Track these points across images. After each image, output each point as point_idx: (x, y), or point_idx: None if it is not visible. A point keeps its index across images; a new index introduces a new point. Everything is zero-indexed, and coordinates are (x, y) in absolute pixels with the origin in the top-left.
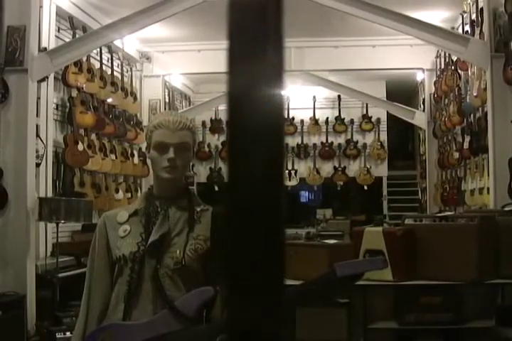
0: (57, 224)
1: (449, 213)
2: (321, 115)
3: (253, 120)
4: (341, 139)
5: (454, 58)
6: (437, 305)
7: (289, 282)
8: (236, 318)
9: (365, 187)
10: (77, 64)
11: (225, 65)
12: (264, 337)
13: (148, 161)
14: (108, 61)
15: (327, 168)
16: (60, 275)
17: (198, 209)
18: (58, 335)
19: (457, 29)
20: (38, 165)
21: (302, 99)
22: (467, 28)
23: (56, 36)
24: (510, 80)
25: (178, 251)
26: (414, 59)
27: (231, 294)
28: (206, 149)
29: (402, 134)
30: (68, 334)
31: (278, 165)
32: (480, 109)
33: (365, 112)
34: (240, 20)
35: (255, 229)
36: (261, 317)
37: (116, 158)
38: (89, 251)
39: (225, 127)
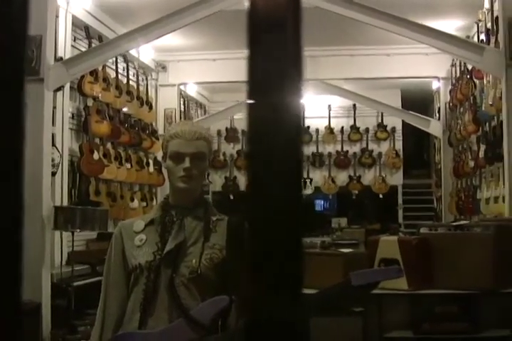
0: (73, 233)
1: (465, 222)
2: (336, 124)
3: (272, 129)
4: (356, 148)
5: (470, 67)
6: (453, 315)
7: (303, 291)
8: (257, 324)
9: (381, 196)
10: (93, 73)
11: (245, 79)
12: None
13: (164, 171)
14: (124, 70)
15: (342, 177)
16: (75, 283)
17: (214, 218)
18: None
19: (472, 38)
20: (53, 174)
21: (317, 107)
22: (482, 36)
23: (72, 46)
24: None
25: (193, 261)
26: (429, 68)
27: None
28: (221, 158)
29: (417, 143)
30: None
31: (296, 173)
32: (495, 117)
33: (380, 121)
34: (259, 33)
35: (274, 235)
36: (280, 320)
37: (131, 166)
38: (105, 260)
39: (241, 136)
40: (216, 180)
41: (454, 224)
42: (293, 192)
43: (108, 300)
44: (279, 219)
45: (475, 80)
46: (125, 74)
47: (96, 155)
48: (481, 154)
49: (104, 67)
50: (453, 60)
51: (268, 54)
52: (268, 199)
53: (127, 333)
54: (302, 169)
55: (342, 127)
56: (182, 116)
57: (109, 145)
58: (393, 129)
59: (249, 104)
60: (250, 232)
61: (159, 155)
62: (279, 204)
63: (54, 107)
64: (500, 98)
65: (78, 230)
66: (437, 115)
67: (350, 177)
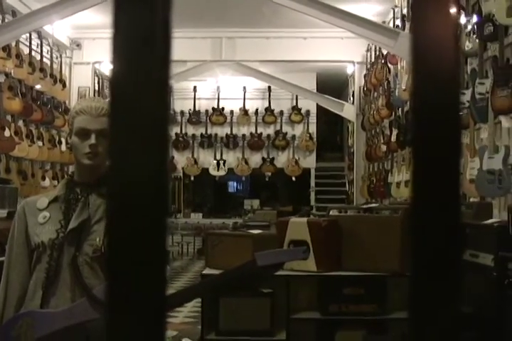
0: None
1: (374, 205)
2: (251, 106)
3: (136, 108)
4: (270, 130)
5: (385, 52)
6: (361, 296)
7: (212, 271)
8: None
9: (293, 179)
10: (6, 49)
11: (110, 54)
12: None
13: None
14: (37, 47)
15: (255, 159)
16: None
17: None
18: None
19: (388, 23)
20: None
21: (232, 89)
22: (398, 22)
23: None
24: None
25: (97, 239)
26: (345, 52)
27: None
28: None
29: (331, 126)
30: None
31: (161, 156)
32: (408, 102)
33: (294, 104)
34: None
35: (135, 214)
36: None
37: (43, 144)
38: (8, 238)
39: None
40: None
41: (364, 206)
42: (158, 175)
43: (10, 278)
44: (141, 199)
45: (389, 65)
46: (39, 51)
47: (7, 133)
48: (393, 138)
49: (17, 43)
50: (368, 45)
51: (133, 23)
52: (129, 183)
53: (29, 311)
54: (169, 152)
55: (256, 109)
56: (96, 94)
57: (20, 123)
58: (307, 112)
59: (113, 83)
60: (107, 209)
61: None
62: (141, 187)
63: None
64: None
65: None
66: (351, 99)
67: (263, 159)
